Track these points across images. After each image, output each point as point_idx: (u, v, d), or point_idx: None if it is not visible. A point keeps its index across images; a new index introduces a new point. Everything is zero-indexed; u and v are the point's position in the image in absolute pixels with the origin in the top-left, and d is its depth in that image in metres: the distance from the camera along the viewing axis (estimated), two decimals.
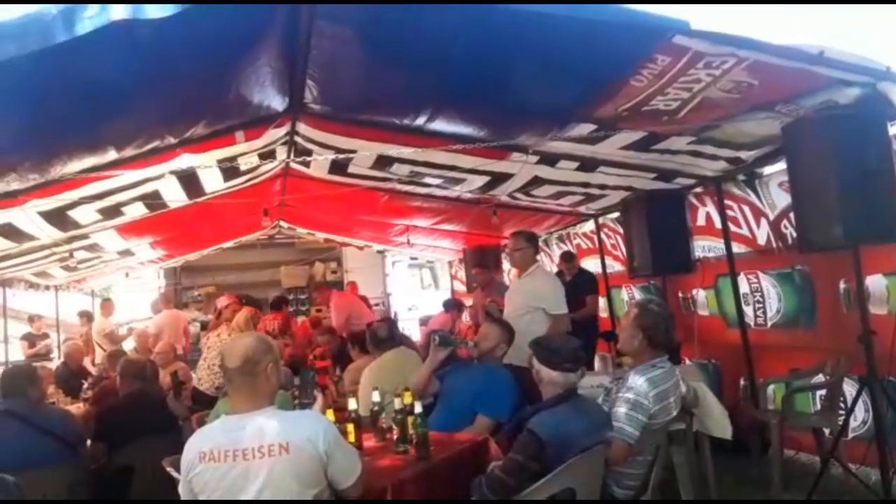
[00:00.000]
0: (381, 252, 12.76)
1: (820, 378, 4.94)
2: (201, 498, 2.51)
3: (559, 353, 3.10)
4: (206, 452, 2.45)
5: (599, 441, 2.94)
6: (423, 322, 11.11)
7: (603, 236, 7.93)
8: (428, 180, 6.41)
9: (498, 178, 6.09)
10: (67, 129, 3.66)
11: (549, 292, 5.17)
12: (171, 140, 4.37)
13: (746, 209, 5.70)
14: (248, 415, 2.50)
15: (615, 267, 7.89)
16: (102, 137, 3.99)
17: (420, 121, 4.52)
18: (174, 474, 3.05)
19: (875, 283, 4.40)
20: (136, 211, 6.16)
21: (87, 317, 10.62)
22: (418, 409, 3.37)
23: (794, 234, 4.95)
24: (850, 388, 4.65)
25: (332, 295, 10.15)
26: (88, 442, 4.54)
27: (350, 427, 3.41)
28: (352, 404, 3.59)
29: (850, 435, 4.57)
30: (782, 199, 5.23)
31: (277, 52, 3.59)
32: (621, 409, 3.20)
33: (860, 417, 4.64)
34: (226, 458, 2.42)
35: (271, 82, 3.97)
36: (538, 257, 5.74)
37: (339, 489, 2.62)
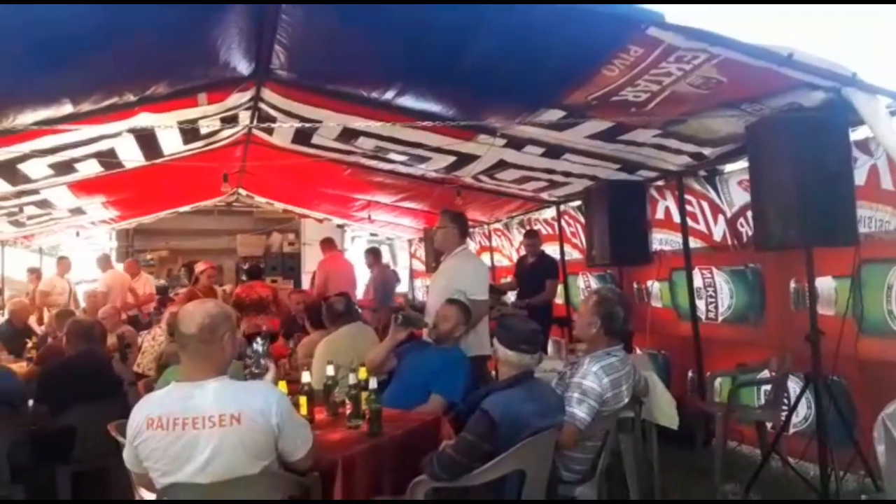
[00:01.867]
0: (340, 226, 12.65)
1: (765, 374, 5.06)
2: (146, 464, 2.46)
3: (515, 333, 3.11)
4: (154, 419, 2.39)
5: (551, 424, 2.97)
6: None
7: (563, 223, 7.98)
8: (393, 156, 6.36)
9: (463, 159, 6.07)
10: (21, 78, 3.52)
11: (470, 275, 4.88)
12: (131, 97, 4.24)
13: (705, 205, 5.79)
14: (200, 383, 2.44)
15: (573, 254, 7.96)
16: (58, 89, 3.85)
17: (389, 95, 4.46)
18: (119, 439, 2.99)
19: (824, 284, 4.51)
20: (90, 168, 5.99)
21: (36, 274, 10.32)
22: (373, 384, 3.36)
23: (750, 233, 5.06)
24: (793, 385, 4.79)
25: (325, 251, 10.13)
26: (30, 402, 4.42)
27: (302, 400, 3.39)
28: (305, 377, 3.56)
29: (792, 430, 4.70)
30: (740, 198, 5.32)
31: (247, 14, 3.49)
32: (574, 395, 3.24)
33: (802, 414, 4.77)
34: (174, 425, 2.37)
35: (238, 44, 3.88)
36: (467, 240, 5.41)
37: (289, 461, 2.59)
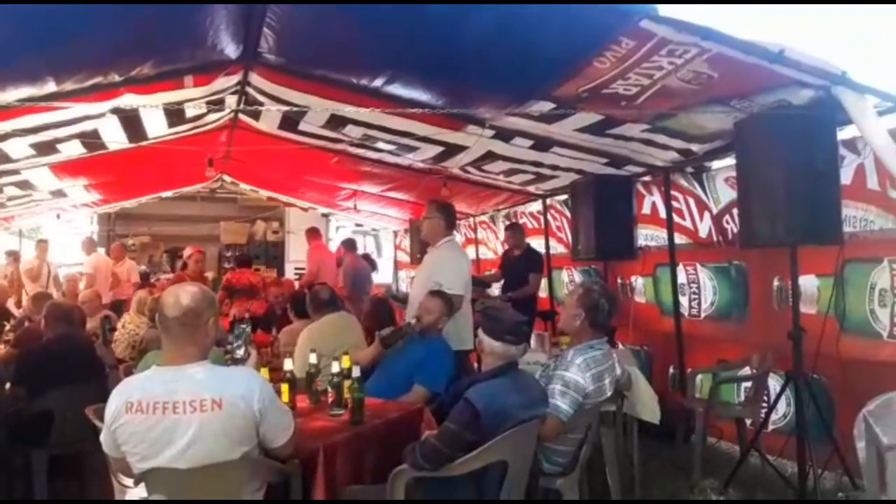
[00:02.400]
0: (325, 215, 12.57)
1: (746, 371, 5.09)
2: (124, 449, 2.42)
3: (502, 323, 3.09)
4: (134, 403, 2.35)
5: (535, 416, 2.96)
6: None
7: (549, 217, 7.98)
8: (380, 145, 6.31)
9: (451, 150, 6.03)
10: (2, 53, 3.44)
11: (446, 268, 4.79)
12: (116, 77, 4.17)
13: (691, 201, 5.80)
14: (182, 367, 2.41)
15: (558, 249, 7.96)
16: (41, 66, 3.77)
17: (378, 82, 4.42)
18: (97, 423, 2.95)
19: (807, 282, 4.54)
20: (73, 150, 5.89)
21: (14, 256, 10.20)
22: (356, 373, 3.35)
23: (735, 230, 5.08)
24: (773, 383, 4.82)
25: (311, 240, 10.19)
26: (7, 385, 4.36)
27: (285, 388, 3.37)
28: (287, 364, 3.54)
29: (771, 427, 4.73)
30: (727, 195, 5.34)
31: None
32: (557, 387, 3.24)
33: (781, 411, 4.81)
34: (154, 409, 2.33)
35: (226, 27, 3.82)
36: (454, 232, 5.36)
37: (270, 448, 2.57)
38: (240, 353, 3.17)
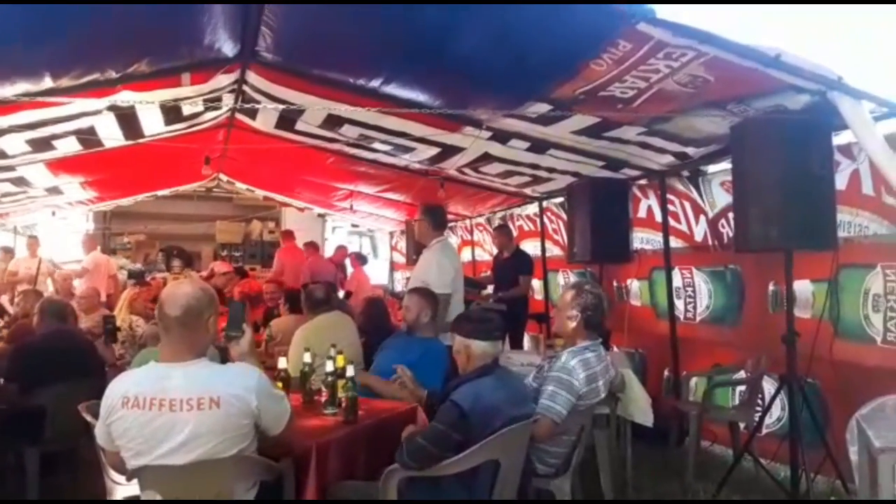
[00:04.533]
0: (321, 216, 12.56)
1: (741, 374, 5.10)
2: (118, 443, 2.41)
3: (489, 322, 3.15)
4: (130, 398, 2.35)
5: (524, 412, 2.97)
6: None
7: (545, 220, 7.98)
8: (377, 146, 6.31)
9: (448, 151, 6.04)
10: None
11: (429, 269, 5.01)
12: (112, 74, 4.16)
13: (687, 205, 5.81)
14: (180, 364, 2.41)
15: (554, 251, 7.97)
16: (38, 62, 3.76)
17: (375, 82, 4.42)
18: (90, 420, 2.94)
19: (802, 287, 4.55)
20: (69, 146, 5.87)
21: (10, 254, 10.16)
22: (350, 372, 3.35)
23: (731, 234, 5.08)
24: (768, 386, 4.83)
25: (284, 241, 10.66)
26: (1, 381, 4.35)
27: (279, 386, 3.35)
28: (282, 363, 3.54)
29: (764, 431, 4.74)
30: (723, 199, 5.35)
31: None
32: (551, 388, 3.24)
33: (775, 415, 4.82)
34: (151, 405, 2.32)
35: (224, 25, 3.82)
36: (445, 232, 5.59)
37: (272, 435, 2.57)
38: (235, 330, 3.12)
